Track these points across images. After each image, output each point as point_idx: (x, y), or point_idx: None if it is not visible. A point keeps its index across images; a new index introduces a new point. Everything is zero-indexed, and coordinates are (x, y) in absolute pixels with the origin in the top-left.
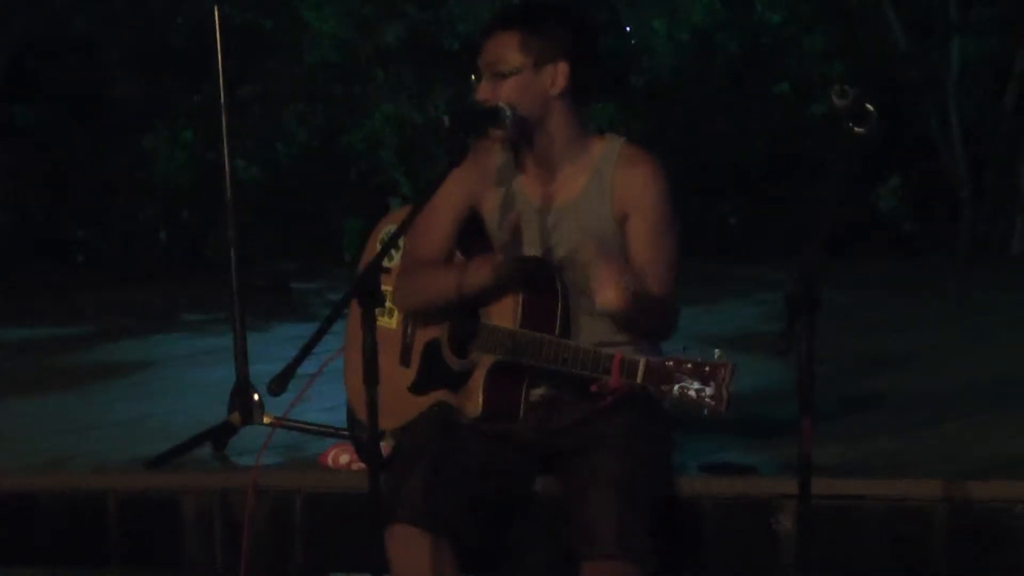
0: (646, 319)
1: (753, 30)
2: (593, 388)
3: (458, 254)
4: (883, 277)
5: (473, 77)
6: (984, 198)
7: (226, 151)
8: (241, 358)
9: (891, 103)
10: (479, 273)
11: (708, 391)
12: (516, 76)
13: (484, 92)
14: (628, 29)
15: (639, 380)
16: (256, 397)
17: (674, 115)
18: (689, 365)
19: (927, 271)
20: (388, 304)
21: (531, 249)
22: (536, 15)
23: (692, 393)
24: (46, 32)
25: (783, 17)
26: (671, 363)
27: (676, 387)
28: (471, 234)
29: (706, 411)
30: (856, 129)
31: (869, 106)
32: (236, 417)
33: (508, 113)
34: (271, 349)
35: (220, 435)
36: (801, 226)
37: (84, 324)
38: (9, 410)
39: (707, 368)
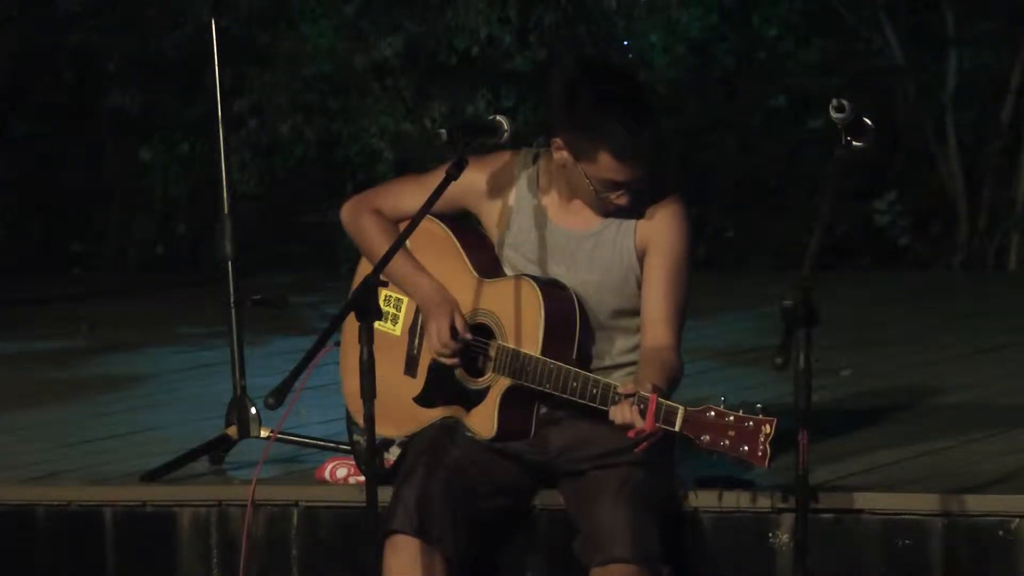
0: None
1: (749, 43)
2: (630, 434)
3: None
4: (879, 291)
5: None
6: (981, 212)
7: (223, 164)
8: (238, 371)
9: (888, 116)
10: (427, 298)
11: (749, 447)
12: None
13: (622, 199)
14: (626, 43)
15: (676, 428)
16: (253, 410)
17: (671, 128)
18: (731, 418)
19: (924, 285)
20: (393, 311)
21: (554, 269)
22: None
23: (732, 446)
24: (42, 44)
25: (779, 30)
26: (712, 414)
27: (715, 439)
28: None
29: (745, 466)
30: (854, 143)
31: (867, 120)
32: (233, 430)
33: (506, 128)
34: (268, 362)
35: (217, 448)
36: (798, 240)
37: (80, 337)
38: (4, 423)
39: (749, 423)
